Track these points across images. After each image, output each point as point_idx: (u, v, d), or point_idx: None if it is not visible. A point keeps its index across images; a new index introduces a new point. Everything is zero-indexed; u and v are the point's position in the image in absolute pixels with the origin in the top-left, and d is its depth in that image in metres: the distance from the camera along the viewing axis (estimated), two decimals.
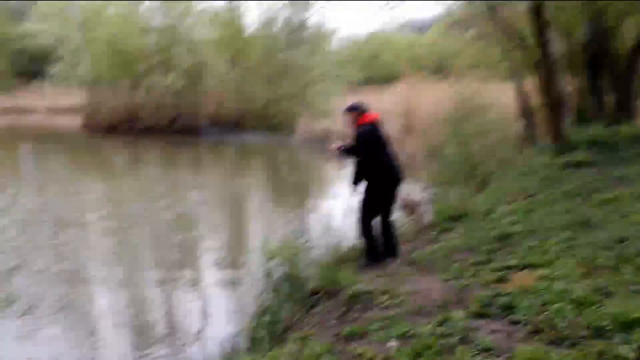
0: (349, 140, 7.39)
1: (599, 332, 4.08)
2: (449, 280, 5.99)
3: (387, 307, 5.37)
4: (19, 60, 55.57)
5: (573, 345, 4.00)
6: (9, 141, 30.81)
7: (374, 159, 7.06)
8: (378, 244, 7.34)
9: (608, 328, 4.09)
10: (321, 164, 22.84)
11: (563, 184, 9.58)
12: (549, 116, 12.99)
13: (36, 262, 8.86)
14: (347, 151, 7.31)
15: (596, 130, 13.27)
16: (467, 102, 14.27)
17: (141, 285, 8.37)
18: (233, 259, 9.84)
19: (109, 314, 7.27)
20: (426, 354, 4.06)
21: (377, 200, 7.21)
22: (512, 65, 15.79)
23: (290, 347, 4.51)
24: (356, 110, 7.26)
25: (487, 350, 4.09)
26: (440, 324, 4.65)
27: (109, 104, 32.96)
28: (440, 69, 39.75)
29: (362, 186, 7.26)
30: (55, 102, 46.88)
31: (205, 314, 5.43)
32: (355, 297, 5.76)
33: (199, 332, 5.08)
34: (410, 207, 9.95)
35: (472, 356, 3.97)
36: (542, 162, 11.53)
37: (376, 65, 57.71)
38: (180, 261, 9.56)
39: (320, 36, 36.09)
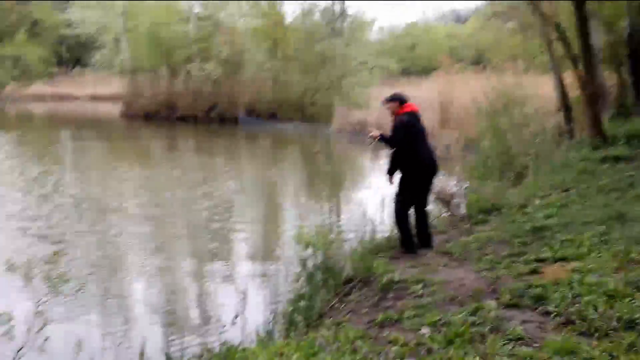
0: (387, 130, 7.48)
1: (629, 325, 4.14)
2: (482, 271, 6.07)
3: (420, 296, 5.48)
4: (59, 48, 56.58)
5: (603, 336, 4.07)
6: (51, 127, 31.47)
7: (410, 149, 7.13)
8: (412, 235, 7.42)
9: (639, 321, 4.14)
10: (356, 154, 22.93)
11: (599, 179, 9.53)
12: (588, 110, 12.87)
13: (79, 248, 9.11)
14: (385, 140, 7.40)
15: (635, 124, 13.13)
16: (505, 95, 14.17)
17: (178, 273, 8.57)
18: (268, 247, 10.01)
19: (148, 300, 7.50)
20: (458, 341, 4.15)
21: (412, 190, 7.29)
22: (552, 58, 15.63)
23: (324, 332, 4.63)
24: (397, 100, 7.35)
25: (518, 339, 4.18)
26: (473, 313, 4.74)
27: (148, 92, 33.44)
28: (478, 61, 39.47)
29: (397, 176, 7.35)
30: (95, 89, 47.69)
31: (241, 301, 5.58)
32: (389, 286, 5.87)
33: (235, 317, 5.22)
34: (445, 199, 9.97)
35: (503, 345, 4.06)
36: (579, 156, 11.45)
37: (414, 56, 57.40)
38: (216, 249, 9.76)
39: (359, 26, 36.05)
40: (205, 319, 6.91)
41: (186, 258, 9.22)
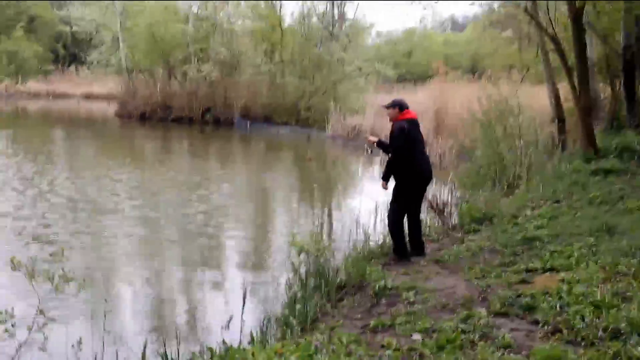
0: (385, 136, 7.63)
1: (615, 335, 4.27)
2: (473, 279, 6.20)
3: (412, 303, 5.60)
4: (56, 45, 56.51)
5: (590, 345, 4.20)
6: (45, 126, 31.45)
7: (407, 155, 7.26)
8: (406, 242, 7.55)
9: (624, 331, 4.27)
10: (350, 160, 23.03)
11: (590, 191, 9.69)
12: (581, 122, 13.03)
13: (74, 250, 9.14)
14: (382, 146, 7.56)
15: (628, 137, 13.30)
16: (500, 104, 14.32)
17: (173, 277, 8.60)
18: (262, 252, 10.08)
19: (143, 303, 7.58)
20: (449, 347, 4.28)
21: (407, 198, 7.42)
22: (548, 69, 15.83)
23: (318, 336, 4.74)
24: (397, 107, 7.51)
25: (506, 347, 4.31)
26: (463, 320, 4.88)
27: (144, 92, 33.44)
28: (473, 69, 39.66)
29: (392, 183, 7.48)
30: (90, 88, 47.63)
31: (235, 305, 5.69)
32: (381, 292, 6.00)
33: (229, 320, 5.31)
34: (438, 208, 10.11)
35: (492, 352, 4.19)
36: (571, 168, 11.62)
37: (410, 62, 57.58)
38: (210, 253, 9.83)
39: (357, 31, 36.18)
40: (200, 321, 6.98)
41: (180, 262, 9.26)
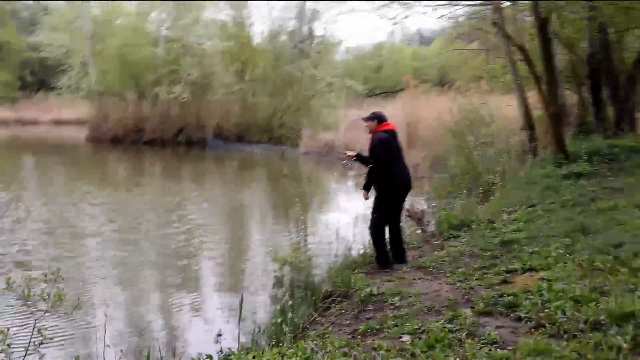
0: (361, 150, 7.81)
1: (596, 326, 4.44)
2: (455, 283, 6.37)
3: (398, 307, 5.74)
4: (23, 71, 56.00)
5: (572, 337, 4.37)
6: (16, 153, 31.19)
7: (387, 165, 7.45)
8: (387, 250, 7.72)
9: (604, 322, 4.45)
10: (325, 175, 23.20)
11: (563, 194, 9.94)
12: (551, 128, 13.34)
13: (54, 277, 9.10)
14: (361, 159, 7.75)
15: (596, 142, 13.66)
16: (471, 114, 14.63)
17: (155, 296, 8.68)
18: (245, 268, 10.18)
19: (136, 317, 7.64)
20: (438, 346, 4.42)
21: (388, 207, 7.59)
22: (516, 78, 16.18)
23: (310, 343, 4.85)
24: (375, 119, 7.71)
25: (493, 343, 4.47)
26: (450, 321, 5.03)
27: (115, 115, 33.33)
28: (442, 82, 40.17)
29: (373, 193, 7.65)
30: (59, 114, 47.26)
31: (222, 320, 5.79)
32: (368, 299, 6.13)
33: (218, 335, 5.40)
34: (416, 217, 10.31)
35: (480, 348, 4.34)
36: (543, 173, 11.88)
37: (380, 77, 58.11)
38: (194, 272, 9.92)
39: (326, 47, 36.50)
40: (190, 336, 7.05)
41: (164, 282, 9.29)
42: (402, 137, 20.49)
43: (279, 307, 6.44)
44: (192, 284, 9.17)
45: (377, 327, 5.24)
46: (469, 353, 4.19)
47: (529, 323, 4.81)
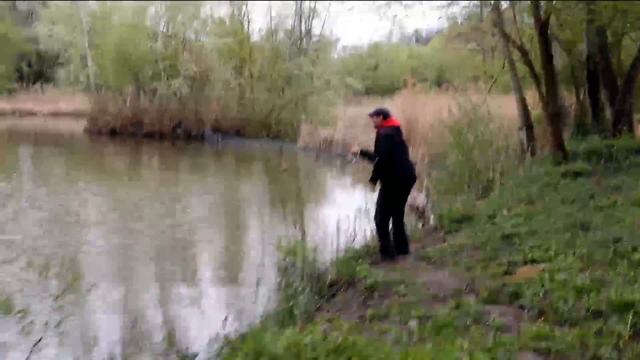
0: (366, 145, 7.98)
1: (597, 314, 4.64)
2: (459, 273, 6.54)
3: (404, 295, 5.91)
4: (21, 63, 55.88)
5: (574, 325, 4.55)
6: (15, 144, 31.18)
7: (392, 159, 7.62)
8: (391, 242, 7.89)
9: (605, 311, 4.64)
10: (323, 171, 23.35)
11: (562, 192, 10.15)
12: (550, 128, 13.53)
13: (65, 261, 9.22)
14: (366, 154, 7.94)
15: (594, 142, 13.86)
16: (470, 113, 14.77)
17: (162, 285, 8.81)
18: (250, 258, 10.32)
19: (141, 304, 7.78)
20: (445, 330, 4.59)
21: (393, 199, 7.77)
22: (515, 78, 16.36)
23: (320, 327, 5.00)
24: (380, 115, 7.88)
25: (498, 328, 4.64)
26: (455, 308, 5.20)
27: (113, 108, 33.35)
28: (439, 81, 40.36)
29: (378, 186, 7.82)
30: (57, 106, 47.21)
31: (230, 307, 5.93)
32: (373, 287, 6.29)
33: (225, 319, 5.50)
34: (418, 211, 10.49)
35: (486, 332, 4.51)
36: (542, 171, 12.08)
37: (377, 75, 58.25)
38: (199, 261, 10.06)
39: (324, 45, 36.66)
40: (201, 321, 7.16)
41: (171, 271, 9.40)
42: None
43: (285, 294, 6.58)
44: (193, 275, 9.30)
45: (384, 313, 5.40)
46: (476, 336, 4.36)
47: (532, 311, 4.99)
